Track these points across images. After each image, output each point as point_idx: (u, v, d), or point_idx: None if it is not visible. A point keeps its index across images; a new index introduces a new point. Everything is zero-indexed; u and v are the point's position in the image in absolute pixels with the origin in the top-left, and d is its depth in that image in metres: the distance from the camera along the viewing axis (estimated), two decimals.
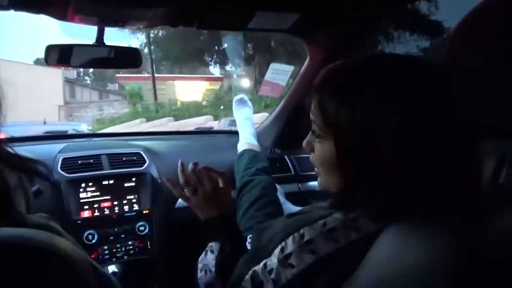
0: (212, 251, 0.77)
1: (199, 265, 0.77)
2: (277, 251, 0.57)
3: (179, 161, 0.85)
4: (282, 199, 1.22)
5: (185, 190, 0.84)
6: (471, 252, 0.39)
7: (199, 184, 0.82)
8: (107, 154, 1.31)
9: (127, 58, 1.17)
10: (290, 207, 1.22)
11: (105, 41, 1.13)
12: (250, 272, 0.60)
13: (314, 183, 1.60)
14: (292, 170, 1.60)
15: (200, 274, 0.77)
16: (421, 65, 0.55)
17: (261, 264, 0.59)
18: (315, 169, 0.65)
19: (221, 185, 0.84)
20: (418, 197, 0.51)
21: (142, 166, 1.32)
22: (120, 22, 1.01)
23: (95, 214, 1.21)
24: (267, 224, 0.66)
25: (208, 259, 0.76)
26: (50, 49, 1.09)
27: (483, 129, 0.54)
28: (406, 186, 0.51)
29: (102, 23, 1.01)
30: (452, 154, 0.51)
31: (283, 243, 0.57)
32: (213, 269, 0.74)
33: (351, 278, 0.51)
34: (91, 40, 1.13)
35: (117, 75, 17.17)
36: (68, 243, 0.36)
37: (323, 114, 0.57)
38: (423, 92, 0.52)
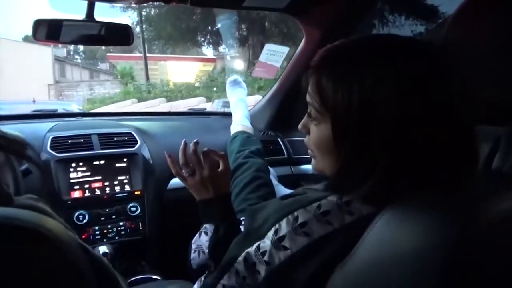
0: (206, 233, 0.76)
1: (193, 246, 0.77)
2: (270, 233, 0.57)
3: (183, 140, 0.83)
4: (274, 181, 1.22)
5: (183, 170, 0.82)
6: (466, 236, 0.39)
7: (198, 166, 0.80)
8: (98, 134, 1.29)
9: (118, 35, 1.14)
10: (282, 190, 1.22)
11: (95, 17, 1.10)
12: (243, 253, 0.59)
13: (306, 166, 1.60)
14: (285, 153, 1.60)
15: (193, 255, 0.76)
16: (420, 46, 0.54)
17: (254, 246, 0.58)
18: (309, 152, 0.65)
19: (221, 167, 0.83)
20: (413, 179, 0.51)
21: (133, 147, 1.31)
22: None
23: (85, 195, 1.20)
24: (260, 205, 0.66)
25: (201, 240, 0.76)
26: (38, 24, 1.06)
27: (479, 113, 0.54)
28: (402, 168, 0.51)
29: None
30: (449, 136, 0.51)
31: (277, 225, 0.57)
32: (207, 251, 0.74)
33: (345, 261, 0.50)
34: (81, 15, 1.10)
35: (108, 54, 16.85)
36: (57, 224, 0.35)
37: (321, 94, 0.56)
38: (422, 73, 0.51)
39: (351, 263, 0.50)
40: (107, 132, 1.32)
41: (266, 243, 0.57)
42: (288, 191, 1.17)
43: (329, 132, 0.56)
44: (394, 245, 0.46)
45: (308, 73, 0.59)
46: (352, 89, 0.52)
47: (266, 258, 0.56)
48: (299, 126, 0.65)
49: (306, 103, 0.61)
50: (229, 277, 0.61)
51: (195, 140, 0.82)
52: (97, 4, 1.08)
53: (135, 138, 1.34)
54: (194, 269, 0.77)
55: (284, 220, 0.56)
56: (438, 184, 0.50)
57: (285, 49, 1.50)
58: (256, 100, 1.76)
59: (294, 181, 1.53)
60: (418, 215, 0.46)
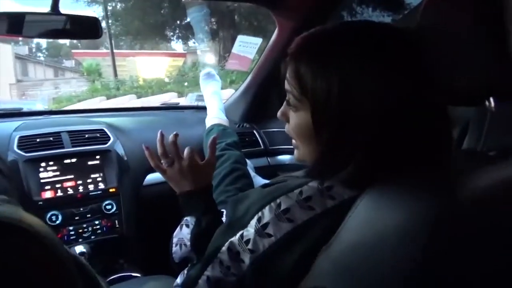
0: (187, 225, 0.75)
1: (174, 240, 0.76)
2: (253, 221, 0.57)
3: (159, 131, 0.81)
4: (252, 173, 1.22)
5: (162, 162, 0.80)
6: (445, 212, 0.41)
7: (177, 156, 0.79)
8: (68, 132, 1.25)
9: (86, 28, 1.09)
10: (259, 181, 1.22)
11: (60, 9, 1.06)
12: (227, 243, 0.59)
13: (283, 157, 1.61)
14: (261, 144, 1.60)
15: (175, 249, 0.75)
16: (396, 32, 0.55)
17: (238, 235, 0.58)
18: (293, 142, 0.65)
19: (206, 159, 0.82)
20: (392, 161, 0.52)
21: (106, 143, 1.27)
22: None
23: (57, 194, 1.16)
24: (242, 195, 0.66)
25: (183, 233, 0.75)
26: None
27: (452, 96, 0.56)
28: (380, 152, 0.52)
29: None
30: (424, 118, 0.53)
31: (259, 213, 0.57)
32: (189, 243, 0.73)
33: (329, 244, 0.51)
34: (45, 8, 1.05)
35: (73, 50, 16.28)
36: (37, 219, 0.34)
37: (299, 82, 0.56)
38: (399, 57, 0.52)
39: (335, 245, 0.51)
40: (78, 129, 1.27)
41: (249, 231, 0.57)
42: (265, 181, 1.18)
43: (308, 118, 0.56)
44: (376, 226, 0.47)
45: (286, 61, 0.59)
46: (331, 76, 0.52)
47: (250, 246, 0.56)
48: (278, 114, 0.65)
49: (281, 94, 0.62)
50: (213, 267, 0.61)
51: (174, 133, 0.80)
52: None
53: (108, 134, 1.30)
54: (176, 262, 0.76)
55: (267, 208, 0.56)
56: (416, 164, 0.51)
57: (258, 40, 1.50)
58: (229, 94, 1.75)
59: (271, 172, 1.54)
60: (398, 195, 0.47)
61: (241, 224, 0.59)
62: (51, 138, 1.21)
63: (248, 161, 1.25)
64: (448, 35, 0.52)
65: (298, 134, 0.61)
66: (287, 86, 0.60)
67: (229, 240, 0.59)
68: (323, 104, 0.53)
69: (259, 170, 1.37)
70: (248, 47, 1.52)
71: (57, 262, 0.33)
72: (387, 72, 0.51)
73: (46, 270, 0.31)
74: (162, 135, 0.81)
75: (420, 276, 0.41)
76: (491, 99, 0.49)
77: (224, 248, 0.60)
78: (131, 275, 1.15)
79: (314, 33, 0.58)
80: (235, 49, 1.54)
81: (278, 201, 0.56)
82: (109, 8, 12.51)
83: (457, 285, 0.40)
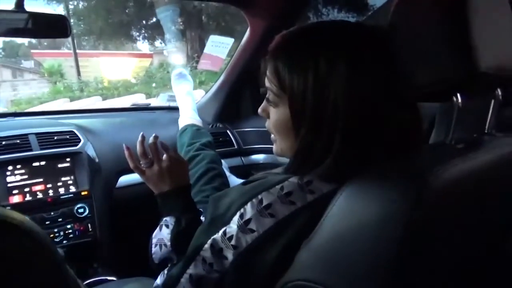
0: (167, 226, 0.75)
1: (153, 241, 0.75)
2: (236, 217, 0.58)
3: (141, 133, 0.82)
4: (226, 172, 1.22)
5: (141, 162, 0.81)
6: (421, 201, 0.43)
7: (156, 158, 0.79)
8: (36, 134, 1.21)
9: (54, 27, 1.06)
10: (234, 180, 1.23)
11: (25, 7, 1.02)
12: (209, 240, 0.60)
13: (257, 156, 1.63)
14: (235, 144, 1.61)
15: (154, 249, 0.75)
16: (367, 29, 0.59)
17: (220, 231, 0.59)
18: (272, 136, 0.67)
19: (179, 159, 0.83)
20: (367, 154, 0.55)
21: (77, 145, 1.24)
22: None
23: (26, 199, 1.12)
24: (222, 192, 0.66)
25: (162, 233, 0.75)
26: None
27: (420, 91, 0.59)
28: (355, 144, 0.55)
29: None
30: (396, 112, 0.56)
31: (241, 210, 0.58)
32: (169, 243, 0.73)
33: (310, 237, 0.53)
34: (8, 5, 1.01)
35: (32, 51, 15.55)
36: (21, 215, 0.34)
37: (278, 78, 0.59)
38: (370, 54, 0.56)
39: (316, 238, 0.52)
40: (46, 131, 1.23)
41: (232, 227, 0.58)
42: (240, 181, 1.19)
43: (287, 114, 0.59)
44: (356, 218, 0.49)
45: (265, 59, 0.62)
46: (307, 72, 0.55)
47: (233, 242, 0.57)
48: (259, 110, 0.67)
49: (253, 94, 0.64)
50: (196, 265, 0.61)
51: (154, 134, 0.81)
52: None
53: (78, 136, 1.26)
54: (156, 263, 0.76)
55: (249, 204, 0.57)
56: (389, 157, 0.54)
57: (230, 40, 1.50)
58: (200, 94, 1.75)
59: (246, 171, 1.55)
60: (375, 187, 0.50)
61: (223, 221, 0.60)
62: (18, 141, 1.16)
63: (222, 161, 1.26)
64: (417, 33, 0.55)
65: (278, 128, 0.63)
66: (267, 83, 0.62)
67: (212, 237, 0.60)
68: (300, 99, 0.56)
69: (234, 170, 1.38)
70: (220, 47, 1.53)
71: (44, 253, 0.33)
72: (359, 67, 0.54)
73: (34, 263, 0.31)
74: (143, 137, 0.82)
75: (397, 267, 0.43)
76: (458, 95, 0.53)
77: (206, 246, 0.60)
78: (106, 279, 1.13)
79: (292, 32, 0.61)
80: (207, 49, 1.53)
81: (259, 197, 0.57)
82: (71, 6, 12.07)
83: (431, 274, 0.43)
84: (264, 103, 0.66)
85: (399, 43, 0.56)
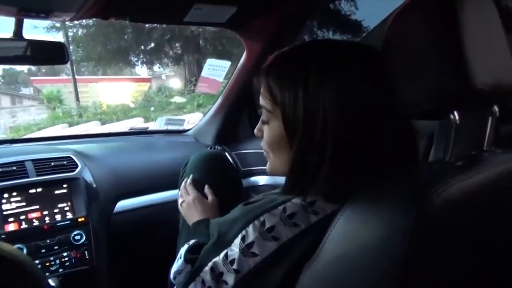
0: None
1: (172, 272, 0.70)
2: (237, 240, 0.57)
3: (191, 176, 0.96)
4: None
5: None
6: (421, 221, 0.42)
7: (184, 193, 0.93)
8: (33, 160, 1.20)
9: (52, 54, 1.07)
10: None
11: (24, 35, 1.03)
12: (210, 263, 0.59)
13: (256, 178, 1.61)
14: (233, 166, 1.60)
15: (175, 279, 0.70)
16: (356, 46, 0.60)
17: (222, 254, 0.58)
18: (264, 153, 0.67)
19: (209, 198, 0.92)
20: (360, 170, 0.54)
21: (74, 171, 1.22)
22: (42, 12, 0.91)
23: (22, 227, 1.10)
24: (225, 217, 0.65)
25: (179, 264, 0.71)
26: None
27: (415, 108, 0.59)
28: (347, 160, 0.55)
29: (22, 13, 0.91)
30: (388, 128, 0.56)
31: (243, 231, 0.57)
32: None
33: (311, 260, 0.52)
34: (7, 33, 1.02)
35: (32, 78, 15.72)
36: (10, 246, 0.33)
37: (270, 94, 0.60)
38: (358, 69, 0.56)
39: (318, 261, 0.51)
40: (43, 157, 1.22)
41: (234, 250, 0.56)
42: None
43: (280, 128, 0.60)
44: (357, 239, 0.48)
45: (259, 77, 0.63)
46: (297, 92, 0.56)
47: (235, 266, 0.56)
48: (255, 131, 0.68)
49: (251, 116, 0.65)
50: (195, 286, 0.60)
51: (191, 176, 0.95)
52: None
53: (75, 161, 1.25)
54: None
55: (251, 226, 0.56)
56: (386, 170, 0.54)
57: (226, 63, 1.52)
58: (197, 117, 1.75)
59: (245, 194, 1.53)
60: (375, 207, 0.49)
61: (224, 242, 0.59)
62: (15, 168, 1.15)
63: None
64: (411, 52, 0.56)
65: (271, 144, 0.63)
66: (261, 100, 0.63)
67: (213, 260, 0.59)
68: (292, 111, 0.57)
69: None
70: (217, 70, 1.54)
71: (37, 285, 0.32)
72: (348, 86, 0.55)
73: None
74: (193, 181, 0.95)
75: (401, 286, 0.42)
76: (455, 113, 0.53)
77: (207, 268, 0.59)
78: None
79: (284, 51, 0.63)
80: (205, 73, 1.55)
81: (262, 218, 0.56)
82: (70, 34, 12.27)
83: None
84: (259, 123, 0.67)
85: (394, 61, 0.57)
